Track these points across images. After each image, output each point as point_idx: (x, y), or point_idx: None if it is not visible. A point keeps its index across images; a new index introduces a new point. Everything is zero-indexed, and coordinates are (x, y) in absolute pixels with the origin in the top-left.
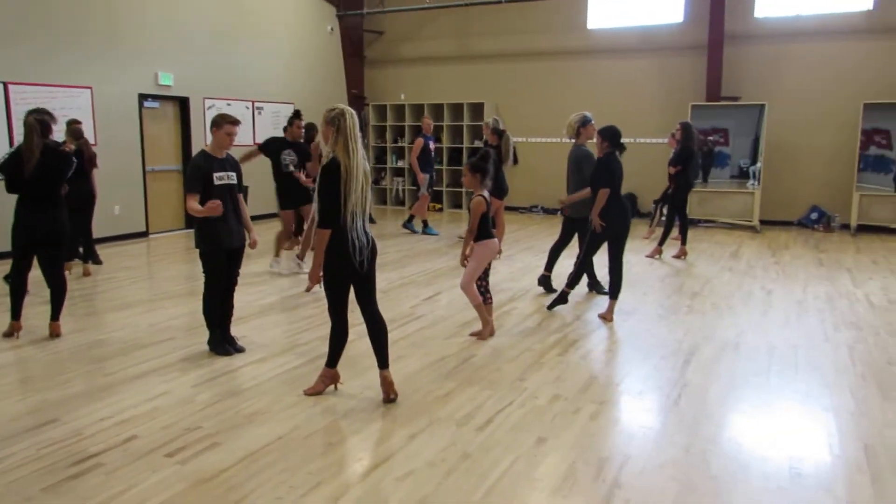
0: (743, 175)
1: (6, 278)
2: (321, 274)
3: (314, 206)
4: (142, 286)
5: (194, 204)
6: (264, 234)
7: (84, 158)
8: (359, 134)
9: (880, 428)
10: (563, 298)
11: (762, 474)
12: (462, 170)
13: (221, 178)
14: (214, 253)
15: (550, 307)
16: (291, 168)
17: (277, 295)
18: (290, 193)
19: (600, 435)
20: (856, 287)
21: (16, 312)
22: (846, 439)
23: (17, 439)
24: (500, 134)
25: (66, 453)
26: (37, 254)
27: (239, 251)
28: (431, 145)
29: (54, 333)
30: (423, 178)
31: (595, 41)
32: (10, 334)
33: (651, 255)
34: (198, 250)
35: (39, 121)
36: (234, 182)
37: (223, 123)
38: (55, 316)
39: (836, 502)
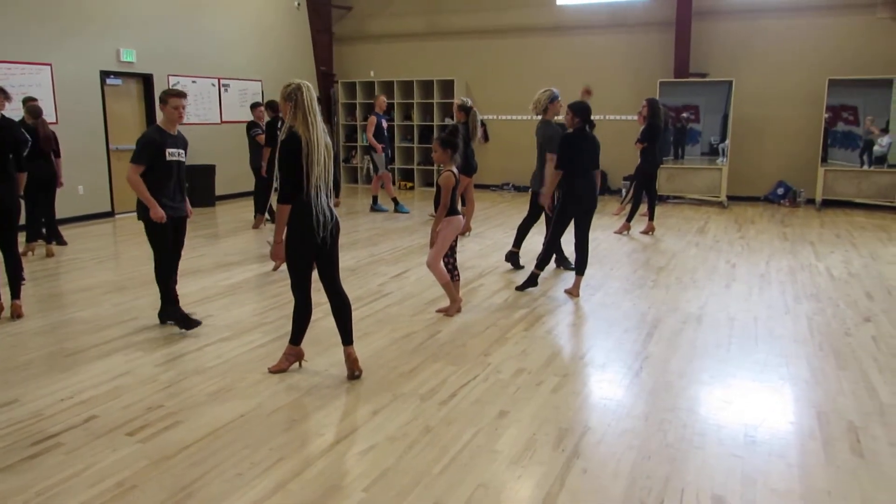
0: (714, 152)
1: None
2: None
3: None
4: (106, 266)
5: (138, 176)
6: (237, 214)
7: (40, 137)
8: (317, 107)
9: (834, 396)
10: (532, 280)
11: (717, 441)
12: (432, 146)
13: (173, 154)
14: (159, 224)
15: (520, 288)
16: None
17: (245, 275)
18: None
19: (562, 407)
20: (818, 260)
21: None
22: (801, 407)
23: None
24: (466, 111)
25: (26, 433)
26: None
27: (182, 220)
28: (384, 123)
29: (16, 314)
30: (380, 156)
31: (564, 17)
32: None
33: (619, 232)
34: (142, 222)
35: None
36: (184, 159)
37: (168, 98)
38: (16, 294)
39: (787, 468)
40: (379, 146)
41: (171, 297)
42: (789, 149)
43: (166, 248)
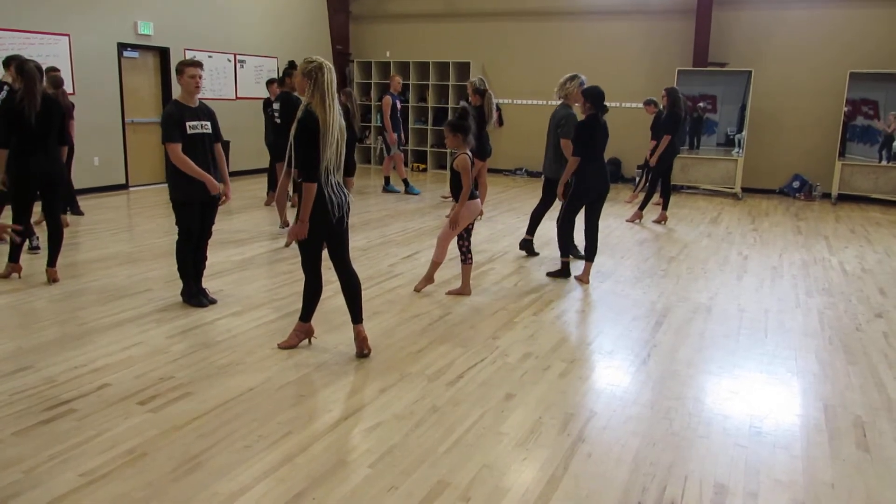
0: (730, 143)
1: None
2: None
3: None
4: (120, 238)
5: (180, 153)
6: (251, 191)
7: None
8: (336, 90)
9: (842, 390)
10: (565, 271)
11: (722, 430)
12: (444, 131)
13: (195, 126)
14: (188, 203)
15: (551, 274)
16: None
17: (256, 251)
18: None
19: (568, 392)
20: (831, 255)
21: (14, 255)
22: (808, 400)
23: None
24: (482, 94)
25: (39, 399)
26: (37, 198)
27: (213, 202)
28: (398, 104)
29: (52, 279)
30: (394, 137)
31: (583, 2)
32: (6, 276)
33: (632, 220)
34: (171, 201)
35: (39, 68)
36: (209, 131)
37: (184, 68)
38: (52, 262)
39: (792, 459)
40: (392, 134)
41: (189, 275)
42: (807, 142)
43: (191, 228)
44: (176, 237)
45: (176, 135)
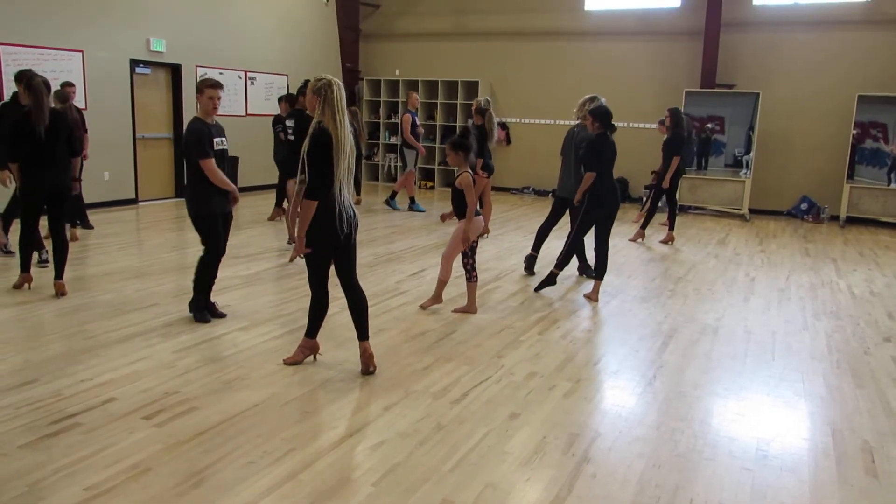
0: (737, 164)
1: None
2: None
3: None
4: (129, 252)
5: (215, 167)
6: (259, 207)
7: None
8: (345, 106)
9: (850, 414)
10: (551, 280)
11: (728, 453)
12: (446, 150)
13: (218, 143)
14: (211, 217)
15: (538, 289)
16: None
17: (263, 266)
18: None
19: (573, 412)
20: (839, 277)
21: (25, 265)
22: (815, 424)
23: None
24: (482, 113)
25: (45, 413)
26: (43, 211)
27: (229, 216)
28: (417, 121)
29: (60, 292)
30: (423, 150)
31: (592, 23)
32: (19, 286)
33: (634, 239)
34: (190, 218)
35: (47, 83)
36: (226, 147)
37: (204, 88)
38: (59, 275)
39: (799, 484)
40: (419, 144)
41: (206, 289)
42: (815, 164)
43: (218, 242)
44: (191, 254)
45: (209, 150)
